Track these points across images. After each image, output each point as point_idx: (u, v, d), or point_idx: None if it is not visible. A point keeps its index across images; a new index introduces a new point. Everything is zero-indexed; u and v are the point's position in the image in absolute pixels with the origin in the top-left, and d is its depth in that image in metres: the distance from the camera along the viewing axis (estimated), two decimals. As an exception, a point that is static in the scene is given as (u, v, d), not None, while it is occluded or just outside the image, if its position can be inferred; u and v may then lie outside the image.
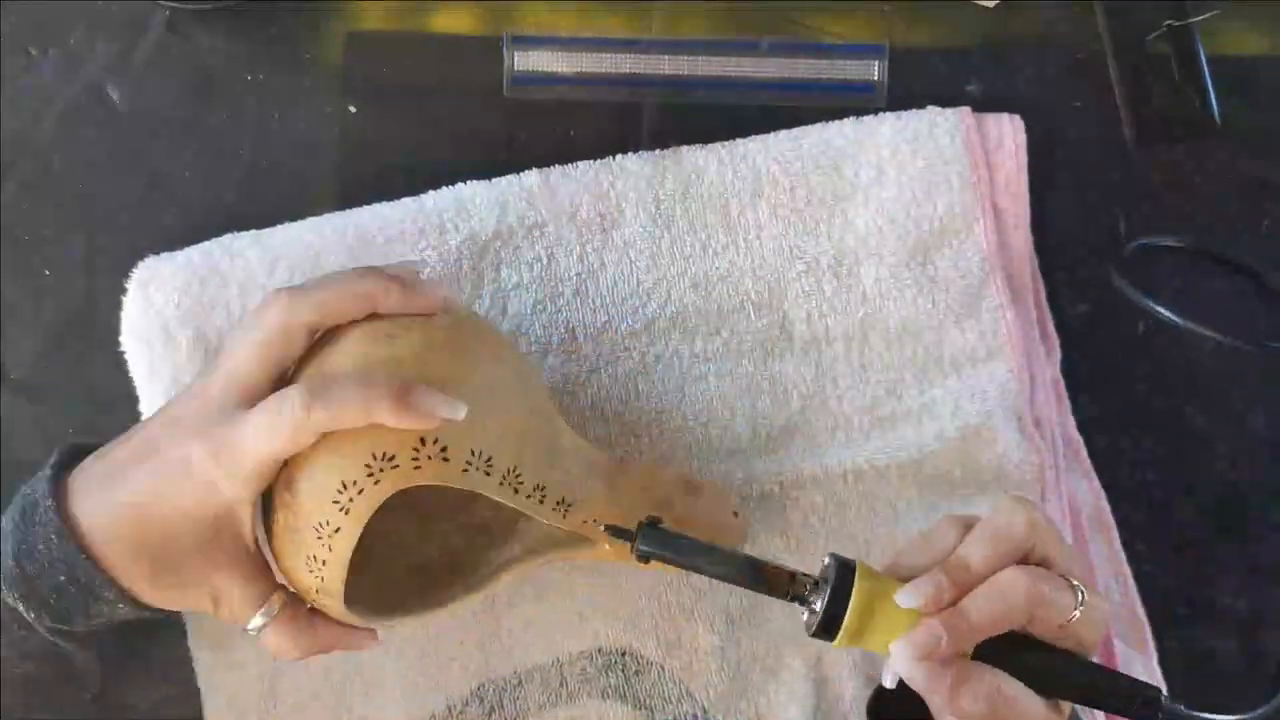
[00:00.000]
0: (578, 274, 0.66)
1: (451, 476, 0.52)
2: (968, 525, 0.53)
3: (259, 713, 0.64)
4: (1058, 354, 0.69)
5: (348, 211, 0.66)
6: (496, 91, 0.69)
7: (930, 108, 0.68)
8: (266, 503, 0.54)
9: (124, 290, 0.64)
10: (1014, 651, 0.52)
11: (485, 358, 0.55)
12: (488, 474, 0.53)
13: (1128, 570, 0.69)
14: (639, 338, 0.66)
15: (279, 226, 0.66)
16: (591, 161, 0.67)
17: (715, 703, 0.65)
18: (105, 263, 0.67)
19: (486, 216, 0.66)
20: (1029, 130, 0.68)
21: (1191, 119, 0.71)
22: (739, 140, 0.68)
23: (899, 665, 0.51)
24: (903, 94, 0.69)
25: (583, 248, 0.66)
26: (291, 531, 0.52)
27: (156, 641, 0.65)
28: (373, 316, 0.54)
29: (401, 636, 0.65)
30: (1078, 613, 0.51)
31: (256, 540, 0.54)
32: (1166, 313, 0.67)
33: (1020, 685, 0.51)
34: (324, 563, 0.52)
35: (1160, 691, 0.53)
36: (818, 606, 0.52)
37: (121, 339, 0.64)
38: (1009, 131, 0.68)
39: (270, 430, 0.50)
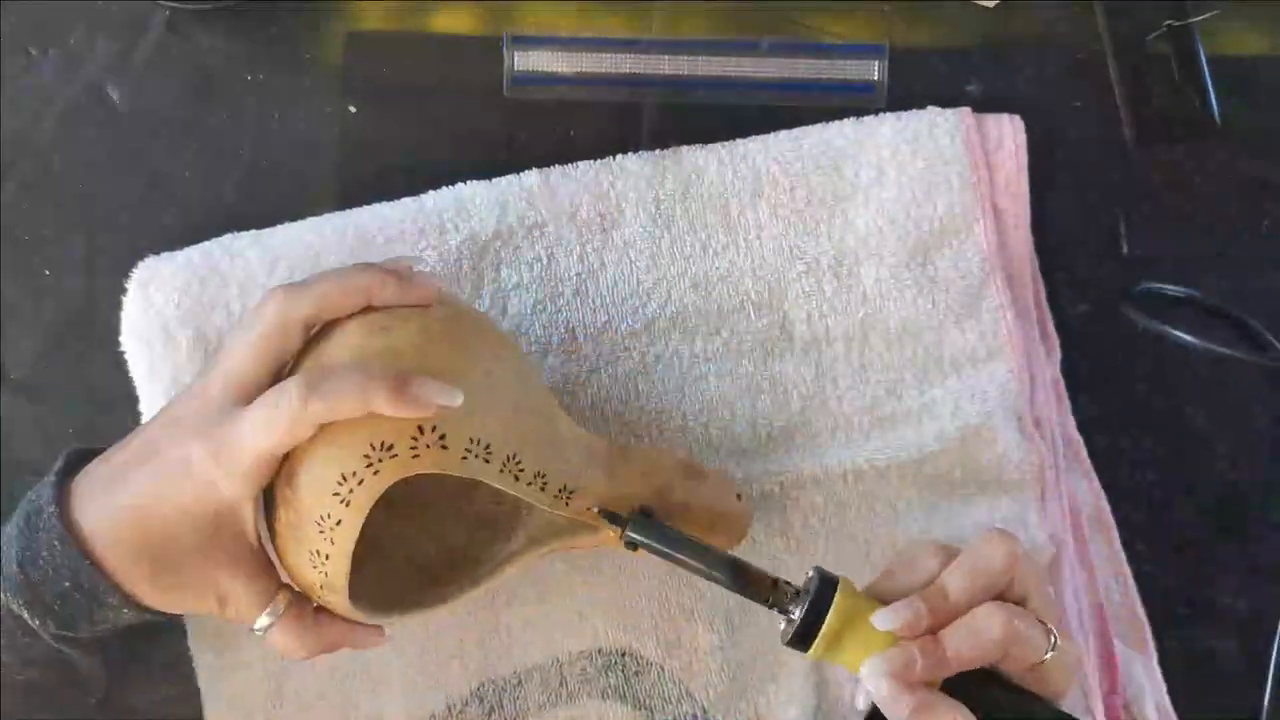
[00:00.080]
0: (578, 274, 0.66)
1: (450, 464, 0.52)
2: (951, 554, 0.54)
3: (265, 713, 0.64)
4: (1058, 354, 0.69)
5: (348, 211, 0.66)
6: (496, 91, 0.69)
7: (930, 108, 0.68)
8: (268, 501, 0.54)
9: (124, 290, 0.64)
10: (983, 688, 0.52)
11: (481, 348, 0.55)
12: (487, 461, 0.53)
13: (1128, 570, 0.69)
14: (639, 338, 0.66)
15: (279, 226, 0.66)
16: (591, 161, 0.67)
17: (715, 703, 0.65)
18: (105, 263, 0.67)
19: (486, 216, 0.66)
20: (1029, 130, 0.68)
21: (1191, 119, 0.71)
22: (739, 140, 0.68)
23: (870, 681, 0.51)
24: (903, 94, 0.69)
25: (583, 248, 0.66)
26: (293, 528, 0.52)
27: (157, 643, 0.64)
28: (369, 309, 0.54)
29: (402, 635, 0.65)
30: (1049, 655, 0.52)
31: (259, 539, 0.54)
32: (1183, 334, 0.68)
33: None
34: (327, 557, 0.52)
35: None
36: (795, 616, 0.52)
37: (121, 339, 0.64)
38: (1009, 132, 0.68)
39: (268, 424, 0.50)
